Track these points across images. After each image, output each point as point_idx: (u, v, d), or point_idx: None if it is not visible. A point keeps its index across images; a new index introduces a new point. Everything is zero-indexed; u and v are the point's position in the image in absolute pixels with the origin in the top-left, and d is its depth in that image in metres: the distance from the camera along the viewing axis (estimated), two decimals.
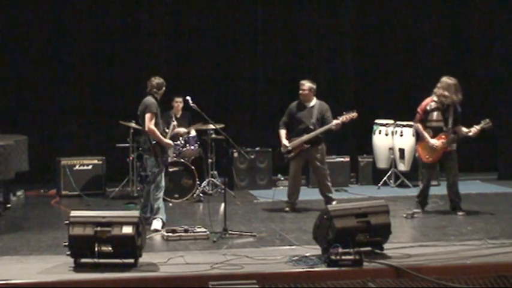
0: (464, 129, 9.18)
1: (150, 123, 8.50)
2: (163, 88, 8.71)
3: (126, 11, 12.33)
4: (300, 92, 9.68)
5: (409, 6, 13.19)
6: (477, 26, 13.30)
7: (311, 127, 9.55)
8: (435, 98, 9.18)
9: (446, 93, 9.12)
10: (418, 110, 9.31)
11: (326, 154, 11.09)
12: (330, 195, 9.65)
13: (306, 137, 9.53)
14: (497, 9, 12.90)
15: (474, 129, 9.14)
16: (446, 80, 9.21)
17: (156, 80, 8.70)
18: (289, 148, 9.59)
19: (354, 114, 9.55)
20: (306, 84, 9.66)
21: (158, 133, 8.53)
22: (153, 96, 8.63)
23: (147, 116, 8.50)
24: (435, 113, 9.21)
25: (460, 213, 9.24)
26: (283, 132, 9.72)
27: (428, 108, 9.23)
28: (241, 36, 12.74)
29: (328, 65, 13.02)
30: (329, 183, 9.71)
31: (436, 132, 9.21)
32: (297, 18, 12.90)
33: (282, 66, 12.85)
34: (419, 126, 9.30)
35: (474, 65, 13.32)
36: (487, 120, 9.13)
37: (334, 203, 9.30)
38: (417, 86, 12.56)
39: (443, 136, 9.18)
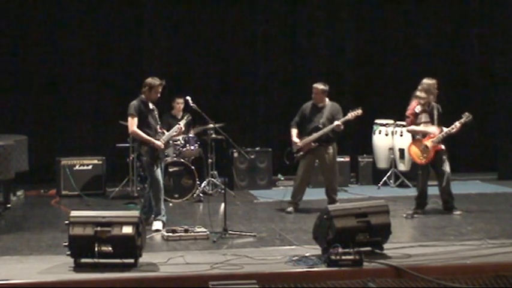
0: (447, 129, 9.23)
1: (131, 126, 8.50)
2: (154, 89, 8.52)
3: (126, 11, 12.34)
4: (313, 95, 9.70)
5: (410, 7, 13.19)
6: (477, 26, 13.30)
7: (320, 126, 9.57)
8: (421, 101, 9.26)
9: (423, 94, 9.25)
10: (408, 114, 9.41)
11: None
12: (334, 196, 9.67)
13: (314, 135, 9.56)
14: (498, 9, 12.90)
15: (456, 125, 9.21)
16: (426, 81, 9.34)
17: (147, 79, 8.63)
18: (299, 146, 9.62)
19: (358, 111, 9.58)
20: (319, 87, 9.69)
21: (143, 134, 8.47)
22: (140, 97, 8.59)
23: (128, 119, 8.54)
24: (423, 115, 9.32)
25: (456, 212, 9.26)
26: (294, 131, 9.76)
27: (416, 111, 9.33)
28: (241, 36, 12.74)
29: (328, 65, 13.01)
30: (336, 185, 9.74)
31: (424, 134, 9.29)
32: (297, 18, 12.91)
33: (282, 66, 12.86)
34: (414, 127, 9.38)
35: (474, 66, 13.33)
36: (467, 114, 9.25)
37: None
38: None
39: (431, 135, 9.25)
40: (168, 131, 8.97)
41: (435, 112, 9.29)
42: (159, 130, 8.72)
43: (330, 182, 9.70)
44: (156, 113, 8.73)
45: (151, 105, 8.67)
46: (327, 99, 9.74)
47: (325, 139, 9.58)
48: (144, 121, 8.54)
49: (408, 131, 9.70)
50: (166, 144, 8.81)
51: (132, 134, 8.79)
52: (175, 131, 8.96)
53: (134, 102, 8.55)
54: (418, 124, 9.35)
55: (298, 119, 9.81)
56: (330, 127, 9.53)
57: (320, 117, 9.62)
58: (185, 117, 9.04)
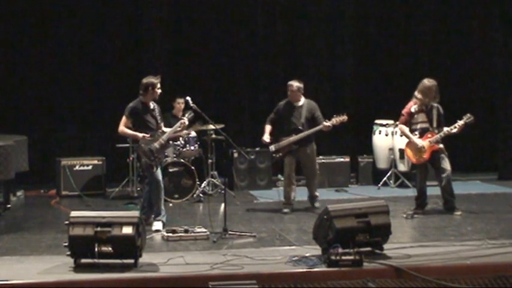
0: (447, 128, 9.21)
1: (120, 126, 8.60)
2: (150, 89, 8.51)
3: (127, 11, 12.33)
4: (289, 93, 9.67)
5: (410, 7, 13.19)
6: (476, 26, 13.29)
7: (300, 127, 9.56)
8: (417, 102, 9.27)
9: (419, 96, 9.22)
10: (403, 112, 9.42)
11: (326, 154, 11.14)
12: (316, 194, 9.80)
13: (294, 137, 9.55)
14: (498, 9, 12.89)
15: (457, 126, 9.17)
16: (424, 82, 9.30)
17: (142, 81, 8.62)
18: (277, 147, 9.61)
19: (344, 118, 9.55)
20: (294, 85, 9.65)
21: (128, 131, 8.56)
22: (139, 99, 8.59)
23: (122, 119, 8.58)
24: (420, 115, 9.31)
25: (457, 213, 9.25)
26: (267, 128, 9.76)
27: (412, 110, 9.33)
28: (241, 36, 12.74)
29: (328, 65, 13.01)
30: (316, 182, 9.84)
31: (422, 133, 9.30)
32: (297, 19, 12.90)
33: (282, 66, 12.84)
34: (404, 127, 9.40)
35: (474, 66, 13.32)
36: (468, 115, 9.22)
37: (317, 204, 9.65)
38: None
39: (429, 135, 9.25)
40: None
41: (434, 113, 9.27)
42: (161, 129, 8.71)
43: (310, 181, 9.78)
44: (157, 112, 8.71)
45: (152, 105, 8.67)
46: (302, 97, 9.72)
47: (305, 139, 9.58)
48: (142, 121, 8.55)
49: (400, 128, 9.70)
50: (166, 143, 8.80)
51: (120, 133, 8.83)
52: (179, 126, 8.90)
53: (131, 104, 8.60)
54: (414, 124, 9.33)
55: (273, 117, 9.82)
56: (315, 129, 9.51)
57: (298, 118, 9.59)
58: (187, 114, 8.94)
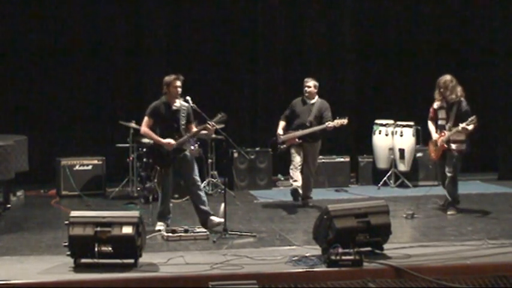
0: (456, 128, 9.14)
1: (142, 126, 8.46)
2: (165, 87, 8.36)
3: (127, 11, 12.33)
4: (305, 89, 9.78)
5: (410, 7, 13.19)
6: (477, 27, 13.29)
7: (307, 124, 9.68)
8: (441, 98, 9.26)
9: (447, 92, 9.18)
10: (430, 108, 9.45)
11: (326, 154, 11.17)
12: (310, 194, 9.91)
13: (299, 132, 9.70)
14: (498, 10, 12.89)
15: (460, 128, 9.08)
16: (450, 78, 9.23)
17: (164, 78, 8.49)
18: (282, 139, 9.76)
19: (343, 121, 9.59)
20: (311, 82, 9.80)
21: (152, 134, 8.38)
22: (161, 98, 8.46)
23: (144, 119, 8.48)
24: (441, 112, 9.33)
25: (449, 212, 9.26)
26: (281, 124, 9.94)
27: (435, 106, 9.36)
28: (242, 36, 12.73)
29: (329, 65, 13.01)
30: (312, 182, 9.96)
31: (440, 131, 9.32)
32: (297, 18, 12.90)
33: (283, 66, 12.84)
34: (429, 123, 9.47)
35: (474, 66, 13.30)
36: (473, 117, 9.13)
37: (310, 202, 9.76)
38: (417, 86, 12.58)
39: (443, 134, 9.24)
40: None
41: (454, 110, 9.19)
42: (184, 133, 8.44)
43: (306, 180, 9.81)
44: (182, 113, 8.43)
45: (175, 106, 8.42)
46: (317, 96, 9.85)
47: (312, 136, 9.70)
48: (161, 123, 8.41)
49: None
50: (180, 147, 8.45)
51: (143, 134, 8.73)
52: (205, 131, 8.56)
53: (154, 103, 8.45)
54: (438, 120, 9.35)
55: (288, 113, 9.97)
56: (319, 127, 9.61)
57: (308, 115, 9.73)
58: (219, 115, 8.42)
